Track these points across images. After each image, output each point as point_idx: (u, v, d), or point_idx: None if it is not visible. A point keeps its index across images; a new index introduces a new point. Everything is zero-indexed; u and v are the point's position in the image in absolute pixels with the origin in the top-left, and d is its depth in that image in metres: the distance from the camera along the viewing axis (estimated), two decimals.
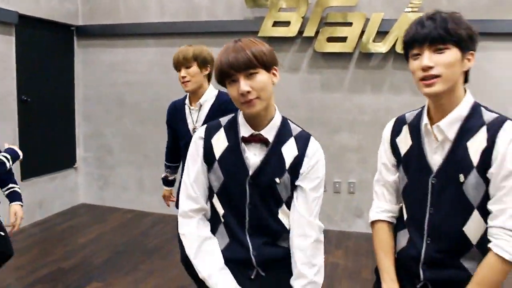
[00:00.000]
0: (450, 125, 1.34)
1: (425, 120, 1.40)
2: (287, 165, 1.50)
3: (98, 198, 5.54)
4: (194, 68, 2.41)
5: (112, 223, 4.88)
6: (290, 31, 4.58)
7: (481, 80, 4.39)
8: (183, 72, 2.42)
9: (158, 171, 5.19)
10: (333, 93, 4.67)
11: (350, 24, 4.47)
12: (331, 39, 4.52)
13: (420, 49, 1.30)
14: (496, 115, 1.34)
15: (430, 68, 1.28)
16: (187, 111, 2.53)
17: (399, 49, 4.25)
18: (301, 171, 1.50)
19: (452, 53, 1.28)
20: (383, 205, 1.55)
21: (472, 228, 1.34)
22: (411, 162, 1.44)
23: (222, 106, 2.38)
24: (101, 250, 4.07)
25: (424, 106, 1.46)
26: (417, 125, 1.45)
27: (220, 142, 1.53)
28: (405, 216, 1.49)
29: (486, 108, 1.36)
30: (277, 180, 1.49)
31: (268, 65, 1.45)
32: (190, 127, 2.49)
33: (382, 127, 1.59)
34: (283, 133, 1.52)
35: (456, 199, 1.33)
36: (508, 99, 4.37)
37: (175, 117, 2.58)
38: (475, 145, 1.30)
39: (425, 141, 1.41)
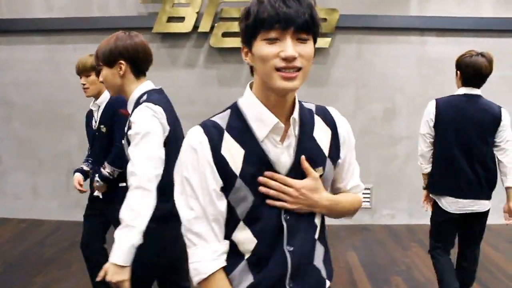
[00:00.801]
0: (292, 118, 1.20)
1: (272, 118, 1.17)
2: (126, 130, 1.92)
3: None
4: (92, 77, 2.67)
5: (3, 235, 4.53)
6: (185, 27, 4.54)
7: (368, 72, 4.67)
8: (82, 80, 2.71)
9: (54, 176, 5.00)
10: (230, 88, 4.70)
11: None
12: (226, 34, 4.54)
13: (281, 34, 1.07)
14: (311, 103, 1.30)
15: (295, 59, 1.08)
16: (94, 113, 2.79)
17: None
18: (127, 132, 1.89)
19: (311, 46, 1.11)
20: (217, 247, 1.19)
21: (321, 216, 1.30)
22: (253, 173, 1.17)
23: (107, 104, 2.68)
24: None
25: (234, 106, 1.23)
26: (243, 128, 1.18)
27: None
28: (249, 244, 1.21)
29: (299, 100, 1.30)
30: (123, 141, 1.95)
31: (107, 61, 1.90)
32: (95, 126, 2.75)
33: None
34: (136, 106, 1.91)
35: None
36: (394, 89, 4.69)
37: (88, 118, 2.88)
38: (322, 135, 1.25)
39: (265, 144, 1.18)
